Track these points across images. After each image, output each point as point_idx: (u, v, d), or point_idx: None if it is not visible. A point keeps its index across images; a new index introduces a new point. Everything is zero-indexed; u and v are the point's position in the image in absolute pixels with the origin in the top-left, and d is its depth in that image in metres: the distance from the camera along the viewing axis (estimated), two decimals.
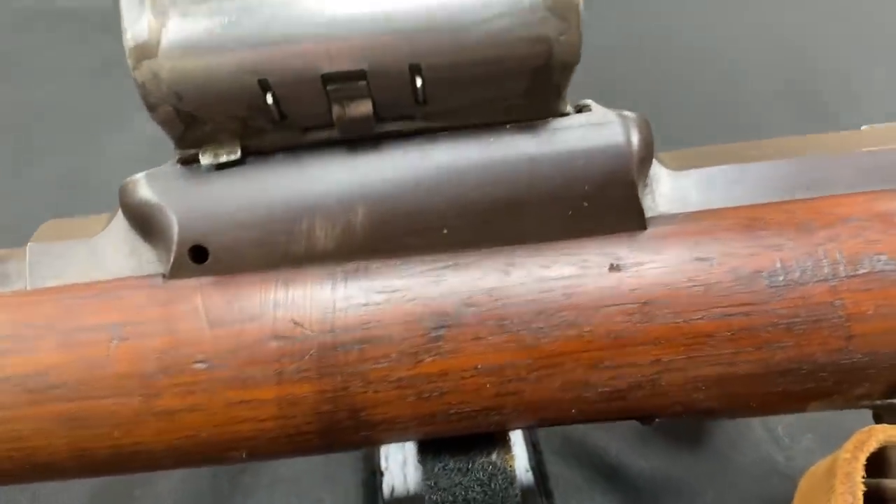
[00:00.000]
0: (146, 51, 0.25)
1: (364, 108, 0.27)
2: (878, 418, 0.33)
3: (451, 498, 0.31)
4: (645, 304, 0.29)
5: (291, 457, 0.31)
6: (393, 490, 0.38)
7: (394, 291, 0.29)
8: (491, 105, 0.28)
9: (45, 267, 0.30)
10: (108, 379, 0.28)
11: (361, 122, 0.28)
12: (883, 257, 0.29)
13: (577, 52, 0.26)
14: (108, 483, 0.44)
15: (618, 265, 0.29)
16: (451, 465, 0.31)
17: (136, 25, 0.25)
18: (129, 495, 0.44)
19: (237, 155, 0.28)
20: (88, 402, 0.28)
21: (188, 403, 0.29)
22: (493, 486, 0.31)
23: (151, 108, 0.26)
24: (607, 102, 0.29)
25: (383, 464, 0.38)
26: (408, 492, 0.37)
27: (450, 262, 0.29)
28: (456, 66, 0.26)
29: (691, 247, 0.29)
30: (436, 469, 0.31)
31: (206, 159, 0.28)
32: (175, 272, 0.29)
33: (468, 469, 0.31)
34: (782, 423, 0.42)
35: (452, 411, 0.29)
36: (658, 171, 0.30)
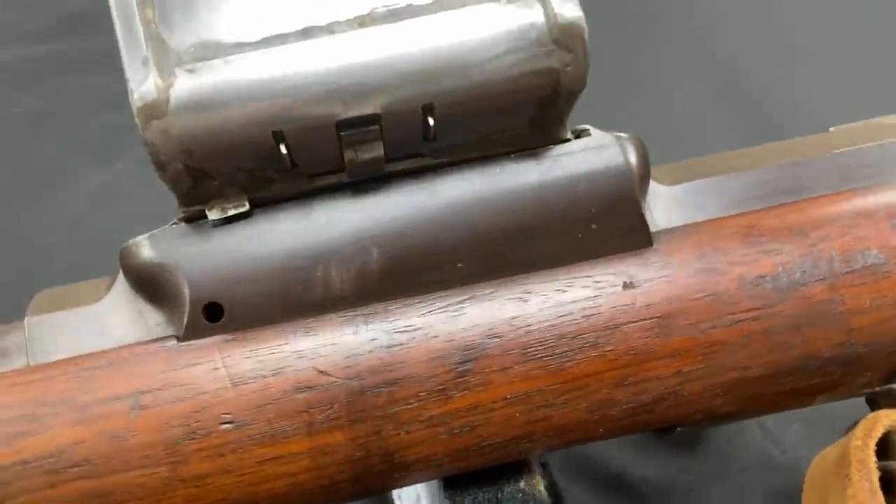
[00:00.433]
0: (155, 110, 0.25)
1: (376, 150, 0.27)
2: (873, 403, 0.35)
3: None
4: (661, 318, 0.30)
5: None
6: None
7: (416, 330, 0.29)
8: (496, 137, 0.28)
9: (47, 340, 0.29)
10: (131, 451, 0.27)
11: (372, 165, 0.28)
12: (873, 252, 0.31)
13: (583, 80, 0.27)
14: None
15: (631, 283, 0.30)
16: (481, 497, 0.31)
17: (143, 86, 0.25)
18: None
19: (245, 207, 0.28)
20: (113, 478, 0.27)
21: (218, 466, 0.28)
22: None
23: (161, 166, 0.26)
24: None
25: (397, 502, 0.38)
26: None
27: (467, 296, 0.29)
28: (467, 102, 0.27)
29: (697, 258, 0.30)
30: (465, 501, 0.31)
31: (213, 214, 0.28)
32: (190, 333, 0.28)
33: (498, 499, 0.31)
34: (771, 417, 0.43)
35: (485, 444, 0.29)
36: (654, 188, 0.31)
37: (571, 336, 0.29)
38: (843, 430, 0.33)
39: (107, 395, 0.27)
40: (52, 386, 0.28)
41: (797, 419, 0.43)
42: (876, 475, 0.31)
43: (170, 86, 0.25)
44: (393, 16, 0.26)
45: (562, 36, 0.26)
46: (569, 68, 0.27)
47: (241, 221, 0.28)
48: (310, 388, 0.28)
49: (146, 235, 0.28)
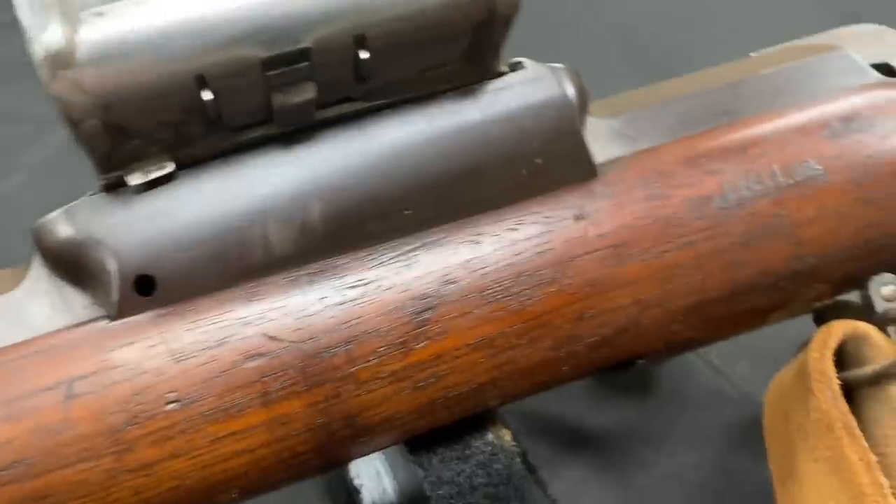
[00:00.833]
0: (62, 60, 0.22)
1: (306, 93, 0.25)
2: (820, 320, 0.35)
3: (456, 489, 0.29)
4: (614, 247, 0.29)
5: (287, 484, 0.28)
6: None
7: (368, 283, 0.27)
8: (431, 74, 0.27)
9: None
10: (68, 445, 0.25)
11: (302, 110, 0.26)
12: (811, 163, 0.31)
13: (517, 3, 0.26)
14: None
15: (581, 214, 0.29)
16: (449, 454, 0.30)
17: (45, 33, 0.22)
18: None
19: (170, 168, 0.26)
20: (49, 477, 0.25)
21: (167, 450, 0.25)
22: (495, 466, 0.30)
23: (75, 124, 0.23)
24: None
25: (357, 481, 0.36)
26: (395, 499, 0.35)
27: (418, 243, 0.28)
28: (401, 32, 0.25)
29: (642, 185, 0.30)
30: (433, 462, 0.30)
31: (135, 178, 0.25)
32: (121, 311, 0.26)
33: (466, 455, 0.30)
34: (715, 353, 0.44)
35: (451, 395, 0.28)
36: (592, 122, 0.31)
37: (528, 274, 0.28)
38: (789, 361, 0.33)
39: (35, 387, 0.25)
40: None
41: (743, 355, 0.44)
42: (836, 383, 0.31)
43: (76, 31, 0.23)
44: None
45: None
46: None
47: (167, 184, 0.26)
48: (260, 355, 0.26)
49: (61, 210, 0.26)
